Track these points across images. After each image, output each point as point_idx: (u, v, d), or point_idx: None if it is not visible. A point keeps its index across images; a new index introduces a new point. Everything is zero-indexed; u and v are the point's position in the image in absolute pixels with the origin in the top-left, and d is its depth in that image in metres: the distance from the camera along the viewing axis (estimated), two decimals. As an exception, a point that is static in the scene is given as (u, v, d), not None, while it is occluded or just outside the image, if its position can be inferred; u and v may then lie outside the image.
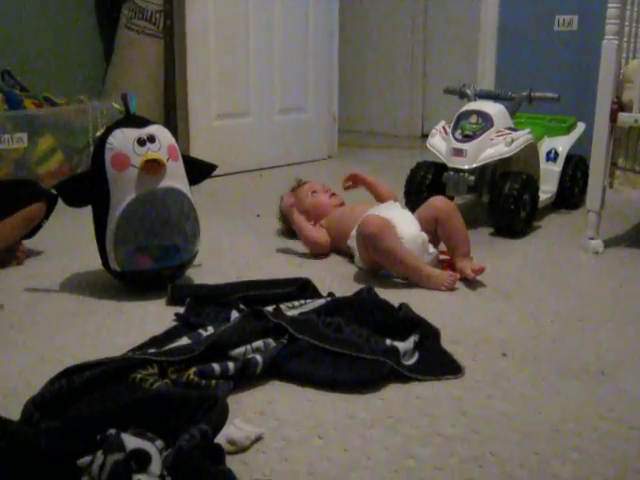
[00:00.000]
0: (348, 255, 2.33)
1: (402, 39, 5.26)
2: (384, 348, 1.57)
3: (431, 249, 2.21)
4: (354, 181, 2.62)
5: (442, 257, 2.27)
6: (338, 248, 2.39)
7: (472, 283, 2.12)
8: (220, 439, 1.23)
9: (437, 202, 2.26)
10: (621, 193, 2.50)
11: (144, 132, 1.95)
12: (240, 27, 3.75)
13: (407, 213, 2.28)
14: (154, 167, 1.93)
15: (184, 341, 1.58)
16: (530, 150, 2.78)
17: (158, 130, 2.00)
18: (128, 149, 1.92)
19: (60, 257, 2.34)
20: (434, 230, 2.22)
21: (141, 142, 1.93)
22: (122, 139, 1.93)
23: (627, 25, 2.43)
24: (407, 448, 1.28)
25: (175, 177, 2.00)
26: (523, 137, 2.68)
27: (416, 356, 1.61)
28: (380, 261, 2.14)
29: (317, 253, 2.39)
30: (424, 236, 2.19)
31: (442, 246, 2.27)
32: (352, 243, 2.23)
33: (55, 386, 1.34)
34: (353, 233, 2.22)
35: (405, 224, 2.17)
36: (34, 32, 3.57)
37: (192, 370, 1.43)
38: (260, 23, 3.82)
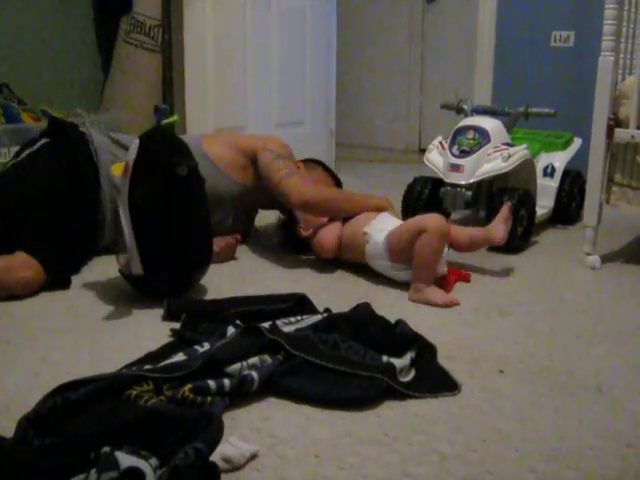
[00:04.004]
0: (350, 266, 2.32)
1: (399, 54, 5.29)
2: (380, 365, 1.56)
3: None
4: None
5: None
6: (347, 259, 2.40)
7: (468, 299, 2.12)
8: (215, 457, 1.22)
9: (426, 218, 2.21)
10: (618, 209, 2.50)
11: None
12: (238, 41, 3.76)
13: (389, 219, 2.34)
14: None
15: (180, 357, 1.57)
16: (527, 165, 2.79)
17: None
18: None
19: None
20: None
21: None
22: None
23: (623, 42, 2.44)
24: (403, 466, 1.27)
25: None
26: (520, 152, 2.68)
27: (412, 373, 1.60)
28: (421, 255, 2.12)
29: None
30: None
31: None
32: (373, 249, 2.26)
33: (49, 403, 1.33)
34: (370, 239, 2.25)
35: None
36: (32, 45, 3.58)
37: (187, 387, 1.42)
38: (258, 37, 3.84)
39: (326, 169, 2.79)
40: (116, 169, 2.05)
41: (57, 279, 2.15)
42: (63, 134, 2.34)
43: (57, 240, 2.17)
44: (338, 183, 2.78)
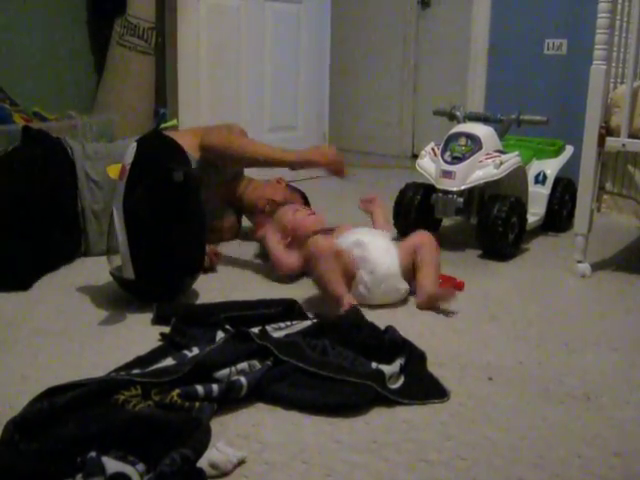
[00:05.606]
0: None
1: (393, 60, 5.30)
2: (370, 371, 1.56)
3: (402, 285, 2.13)
4: (367, 206, 2.50)
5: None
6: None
7: (458, 306, 2.12)
8: (202, 462, 1.22)
9: (418, 235, 2.22)
10: (608, 217, 2.51)
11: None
12: (232, 45, 3.76)
13: (385, 244, 2.18)
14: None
15: (169, 362, 1.57)
16: (519, 173, 2.79)
17: None
18: None
19: (42, 276, 2.32)
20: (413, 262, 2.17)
21: None
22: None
23: (615, 51, 2.45)
24: (391, 474, 1.26)
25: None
26: (512, 160, 2.69)
27: (402, 380, 1.60)
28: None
29: (285, 274, 2.32)
30: (396, 271, 2.12)
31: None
32: None
33: (37, 407, 1.32)
34: None
35: (379, 254, 2.11)
36: (25, 47, 3.57)
37: (176, 392, 1.41)
38: (252, 42, 3.84)
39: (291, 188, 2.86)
40: (112, 171, 2.04)
41: (12, 280, 2.15)
42: (36, 139, 2.44)
43: (29, 241, 2.20)
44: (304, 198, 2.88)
